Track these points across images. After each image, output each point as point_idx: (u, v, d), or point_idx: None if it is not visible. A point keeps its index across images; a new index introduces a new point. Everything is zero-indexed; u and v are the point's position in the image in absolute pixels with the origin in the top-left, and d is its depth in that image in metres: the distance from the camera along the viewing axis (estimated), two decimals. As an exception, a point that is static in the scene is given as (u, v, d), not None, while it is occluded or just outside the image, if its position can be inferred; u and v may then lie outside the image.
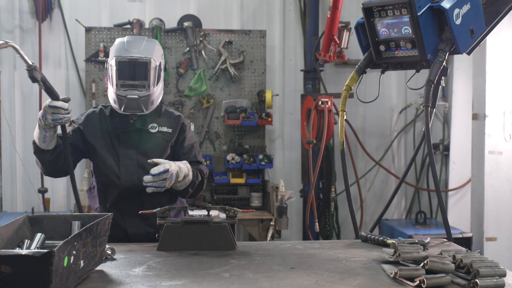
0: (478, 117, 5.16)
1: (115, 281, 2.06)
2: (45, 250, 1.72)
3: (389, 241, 2.51)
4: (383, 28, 2.69)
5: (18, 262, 1.74)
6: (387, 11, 2.63)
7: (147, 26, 5.81)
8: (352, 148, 5.92)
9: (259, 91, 5.88)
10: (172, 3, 6.06)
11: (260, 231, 5.29)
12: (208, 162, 5.69)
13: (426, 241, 2.49)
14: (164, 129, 3.10)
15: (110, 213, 2.27)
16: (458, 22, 2.60)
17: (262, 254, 2.44)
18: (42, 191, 5.66)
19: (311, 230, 5.53)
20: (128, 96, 2.94)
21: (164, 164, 2.80)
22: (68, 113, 2.83)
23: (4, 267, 1.72)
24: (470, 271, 1.97)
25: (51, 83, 5.89)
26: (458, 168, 6.06)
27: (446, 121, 6.28)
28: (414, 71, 2.82)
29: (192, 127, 5.78)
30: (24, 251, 1.77)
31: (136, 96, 2.95)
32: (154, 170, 2.78)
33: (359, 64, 2.82)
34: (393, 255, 2.18)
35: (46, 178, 5.78)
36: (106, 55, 5.60)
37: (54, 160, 2.97)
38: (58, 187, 5.92)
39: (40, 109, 5.60)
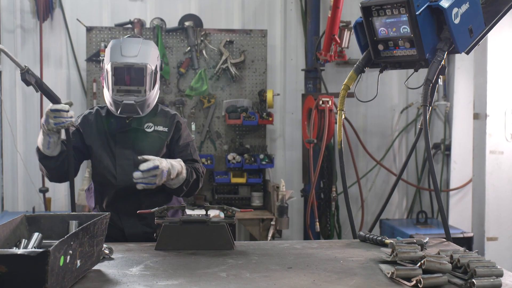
0: (479, 116, 5.15)
1: (112, 280, 2.06)
2: (40, 250, 1.72)
3: (387, 240, 2.50)
4: (381, 27, 2.69)
5: (13, 261, 1.73)
6: (386, 10, 2.62)
7: (148, 25, 5.81)
8: (353, 147, 5.91)
9: (260, 90, 5.88)
10: (173, 3, 6.06)
11: (261, 231, 5.29)
12: (209, 161, 5.69)
13: (425, 241, 2.49)
14: (160, 128, 3.10)
15: (108, 213, 2.27)
16: (456, 21, 2.59)
17: (260, 254, 2.44)
18: (43, 190, 5.67)
19: (311, 229, 5.53)
20: (124, 102, 2.94)
21: (154, 161, 2.78)
22: (70, 117, 2.82)
23: (0, 267, 1.72)
24: (467, 271, 1.97)
25: (52, 83, 6.00)
26: (460, 167, 6.05)
27: (448, 121, 6.27)
28: (413, 70, 2.81)
29: (193, 126, 5.79)
30: (19, 251, 1.77)
31: (133, 102, 2.95)
32: (143, 166, 2.76)
33: (357, 63, 2.81)
34: (390, 255, 2.17)
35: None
36: (107, 54, 5.60)
37: (59, 166, 2.98)
38: (59, 186, 5.91)
39: (41, 110, 5.69)
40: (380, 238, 2.57)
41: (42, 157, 2.94)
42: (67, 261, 1.89)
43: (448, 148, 6.23)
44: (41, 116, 5.75)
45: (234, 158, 5.71)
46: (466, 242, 5.18)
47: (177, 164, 2.89)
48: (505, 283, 1.95)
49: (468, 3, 2.64)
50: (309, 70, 6.03)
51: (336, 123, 5.53)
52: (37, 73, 5.64)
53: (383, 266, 2.15)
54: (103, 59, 3.05)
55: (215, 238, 2.54)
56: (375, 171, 6.36)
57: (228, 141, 5.91)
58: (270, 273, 2.14)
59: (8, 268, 1.73)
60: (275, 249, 2.54)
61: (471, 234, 5.28)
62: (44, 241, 2.19)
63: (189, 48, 5.78)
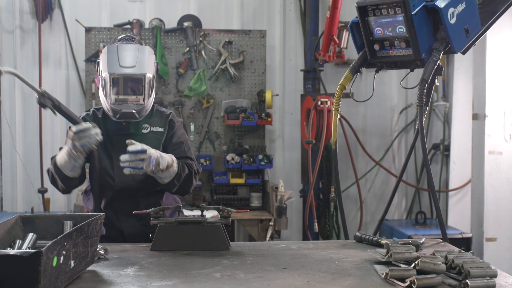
0: (478, 117, 5.14)
1: (106, 281, 2.06)
2: (33, 250, 1.72)
3: (383, 241, 2.50)
4: (377, 27, 2.69)
5: (6, 262, 1.74)
6: (382, 10, 2.62)
7: (147, 26, 5.81)
8: (352, 148, 5.90)
9: (259, 91, 5.87)
10: (172, 3, 6.06)
11: (260, 231, 5.28)
12: (208, 162, 5.69)
13: (421, 242, 2.48)
14: (156, 128, 3.10)
15: (102, 213, 2.27)
16: (452, 21, 2.58)
17: (256, 254, 2.44)
18: (42, 191, 5.67)
19: (310, 230, 5.52)
20: (123, 110, 2.95)
21: (142, 145, 2.78)
22: (96, 134, 2.81)
23: (-7, 267, 1.72)
24: (461, 272, 1.96)
25: (51, 83, 6.00)
26: (459, 168, 6.04)
27: (447, 121, 6.26)
28: (409, 70, 2.81)
29: (192, 127, 5.79)
30: (12, 251, 1.77)
31: (132, 111, 2.95)
32: (131, 148, 2.75)
33: (353, 63, 2.81)
34: (385, 256, 2.17)
35: (46, 178, 5.78)
36: (105, 55, 5.60)
37: (77, 184, 3.00)
38: (58, 187, 5.91)
39: (40, 111, 5.69)
40: (376, 238, 2.57)
41: (64, 178, 2.93)
42: (61, 261, 1.89)
43: (447, 148, 6.22)
44: (40, 117, 5.78)
45: (233, 159, 5.71)
46: (465, 243, 5.17)
47: (167, 157, 2.89)
48: (499, 283, 1.95)
49: (464, 3, 2.64)
50: (308, 70, 6.03)
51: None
52: (36, 74, 5.76)
53: (377, 267, 2.15)
54: (99, 61, 3.05)
55: (210, 239, 2.54)
56: (374, 171, 6.36)
57: (227, 141, 5.91)
58: (265, 274, 2.13)
59: (1, 269, 1.73)
60: (271, 250, 2.53)
61: (470, 235, 5.27)
62: (39, 242, 2.19)
63: (188, 48, 5.77)
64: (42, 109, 5.70)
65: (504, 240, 5.11)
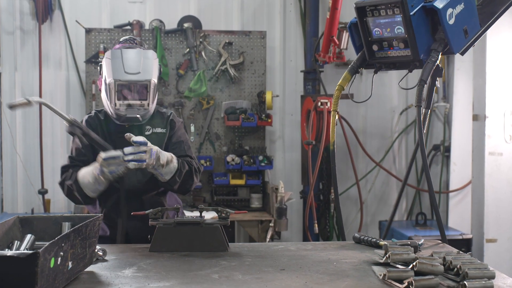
0: (478, 118, 5.14)
1: (103, 282, 2.06)
2: (30, 252, 1.72)
3: (381, 242, 2.49)
4: (376, 27, 2.68)
5: (3, 263, 1.73)
6: (380, 10, 2.62)
7: (147, 27, 5.81)
8: (353, 149, 5.90)
9: (259, 92, 5.87)
10: (172, 4, 6.06)
11: (260, 233, 5.28)
12: (208, 163, 5.69)
13: (420, 243, 2.47)
14: (158, 130, 3.11)
15: (100, 214, 2.27)
16: (451, 22, 2.58)
17: (254, 256, 2.43)
18: (42, 192, 5.67)
19: (310, 231, 5.52)
20: (127, 115, 2.97)
21: (143, 137, 2.81)
22: (125, 161, 2.82)
23: (-10, 268, 1.72)
24: (459, 273, 1.96)
25: (51, 84, 6.01)
26: (459, 169, 6.03)
27: (447, 122, 6.25)
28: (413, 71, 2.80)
29: (192, 128, 5.79)
30: (9, 252, 1.77)
31: (136, 116, 2.98)
32: (135, 138, 2.77)
33: (352, 64, 2.81)
34: (383, 257, 2.16)
35: (46, 179, 5.80)
36: (106, 56, 5.60)
37: (96, 199, 3.03)
38: (58, 188, 5.83)
39: (40, 112, 5.69)
40: (374, 239, 2.56)
41: (84, 196, 2.96)
42: (58, 262, 1.89)
43: (447, 149, 6.21)
44: (41, 119, 5.78)
45: (233, 160, 5.71)
46: (465, 244, 5.16)
47: (166, 152, 2.91)
48: (497, 285, 1.95)
49: (463, 3, 2.63)
50: (308, 71, 6.03)
51: (336, 124, 5.54)
52: (36, 75, 5.77)
53: (375, 268, 2.15)
54: (101, 64, 3.06)
55: (209, 240, 2.53)
56: (375, 172, 6.35)
57: (227, 142, 5.91)
58: (263, 275, 2.13)
59: (-2, 270, 1.73)
60: (269, 251, 2.53)
61: (470, 236, 5.27)
62: (37, 243, 2.18)
63: (188, 49, 5.78)
64: (42, 110, 5.77)
65: (505, 241, 5.10)
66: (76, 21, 5.79)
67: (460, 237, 5.28)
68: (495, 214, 5.07)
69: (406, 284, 1.90)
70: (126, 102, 2.98)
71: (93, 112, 3.16)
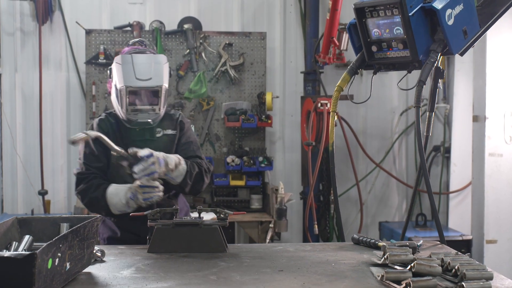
0: (478, 119, 5.13)
1: (101, 283, 2.06)
2: (27, 252, 1.72)
3: (380, 243, 2.49)
4: (375, 28, 2.67)
5: (1, 264, 1.73)
6: (379, 11, 2.61)
7: (147, 28, 5.81)
8: (353, 150, 5.90)
9: (259, 93, 5.87)
10: (173, 5, 6.06)
11: (260, 233, 5.28)
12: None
13: (418, 244, 2.47)
14: (169, 131, 3.14)
15: (99, 216, 2.27)
16: (450, 22, 2.57)
17: (252, 257, 2.43)
18: (42, 193, 5.67)
19: (310, 232, 5.51)
20: (139, 120, 3.00)
21: (147, 149, 2.83)
22: (160, 191, 2.87)
23: (-13, 269, 1.72)
24: (457, 274, 1.96)
25: (52, 86, 6.02)
26: (459, 170, 6.03)
27: (447, 123, 6.25)
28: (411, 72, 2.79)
29: (192, 129, 5.78)
30: (6, 253, 1.77)
31: (147, 120, 3.01)
32: (143, 153, 2.79)
33: (351, 65, 2.80)
34: (381, 258, 2.16)
35: (46, 180, 5.81)
36: (106, 57, 5.62)
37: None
38: (58, 189, 5.93)
39: (40, 112, 5.69)
40: (373, 240, 2.56)
41: (108, 212, 2.99)
42: (56, 263, 1.88)
43: (448, 150, 6.21)
44: (41, 119, 5.78)
45: (233, 161, 5.71)
46: (465, 245, 5.15)
47: (173, 156, 2.93)
48: (495, 286, 1.94)
49: (462, 4, 2.62)
50: (308, 72, 6.03)
51: (336, 125, 5.54)
52: (37, 76, 5.78)
53: (374, 269, 2.14)
54: (111, 68, 3.07)
55: (207, 241, 2.53)
56: (375, 173, 6.35)
57: (227, 143, 5.90)
58: (261, 276, 2.13)
59: (-4, 271, 1.73)
60: (268, 252, 2.53)
61: (470, 237, 5.26)
62: (35, 244, 2.18)
63: (188, 50, 5.78)
64: (42, 110, 5.76)
65: (505, 242, 5.09)
66: (76, 22, 5.79)
67: (460, 238, 5.28)
68: (495, 215, 5.07)
69: (404, 285, 1.90)
70: (137, 107, 3.00)
71: (103, 114, 3.18)
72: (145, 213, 2.62)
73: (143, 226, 2.97)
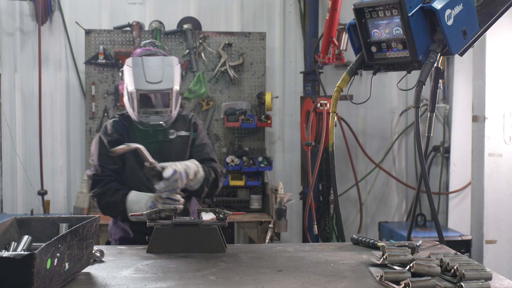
0: (478, 119, 5.13)
1: (100, 283, 2.06)
2: (26, 253, 1.72)
3: (379, 243, 2.49)
4: (374, 29, 2.67)
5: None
6: (378, 12, 2.61)
7: (147, 28, 5.81)
8: (352, 150, 5.90)
9: (259, 93, 5.87)
10: (172, 5, 6.06)
11: (259, 234, 5.28)
12: (207, 164, 5.68)
13: (418, 244, 2.47)
14: (182, 133, 3.16)
15: (98, 216, 2.27)
16: (449, 23, 2.57)
17: (252, 257, 2.43)
18: (42, 193, 5.67)
19: (310, 232, 5.52)
20: (150, 123, 3.03)
21: (171, 165, 2.84)
22: (180, 203, 2.91)
23: (-14, 269, 1.72)
24: (456, 274, 1.96)
25: (51, 86, 6.02)
26: (459, 170, 6.03)
27: (447, 123, 6.25)
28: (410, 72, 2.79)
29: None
30: (5, 253, 1.77)
31: (160, 123, 3.03)
32: (167, 173, 2.82)
33: (351, 65, 2.80)
34: (380, 258, 2.16)
35: (46, 180, 5.81)
36: (106, 57, 5.62)
37: None
38: (58, 189, 5.93)
39: (40, 112, 5.68)
40: (372, 241, 2.56)
41: (125, 218, 3.00)
42: (55, 263, 1.88)
43: (447, 150, 6.21)
44: (40, 119, 5.78)
45: (232, 161, 5.71)
46: (464, 245, 5.15)
47: (192, 164, 2.94)
48: (494, 286, 1.94)
49: (461, 4, 2.62)
50: (307, 72, 6.03)
51: (335, 125, 5.54)
52: (36, 76, 5.78)
53: (373, 269, 2.14)
54: (122, 70, 3.08)
55: (207, 241, 2.53)
56: (374, 173, 6.35)
57: (227, 143, 5.90)
58: (260, 276, 2.13)
59: (-6, 271, 1.73)
60: (267, 252, 2.53)
61: (470, 237, 5.26)
62: (34, 244, 2.18)
63: (187, 51, 5.78)
64: (42, 110, 5.76)
65: (504, 243, 5.09)
66: (76, 22, 5.79)
67: (460, 238, 5.27)
68: (494, 215, 5.07)
69: (403, 285, 1.90)
70: (148, 110, 3.01)
71: (116, 116, 3.21)
72: (144, 213, 2.62)
73: None
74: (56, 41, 5.92)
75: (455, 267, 1.97)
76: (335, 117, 2.87)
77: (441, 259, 2.07)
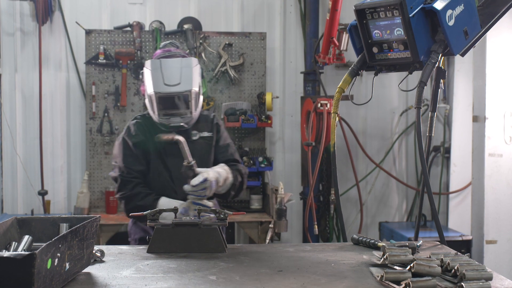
0: (478, 119, 5.13)
1: (101, 283, 2.06)
2: (27, 253, 1.72)
3: (380, 244, 2.49)
4: (375, 29, 2.67)
5: (0, 264, 1.73)
6: (379, 12, 2.61)
7: (147, 28, 5.82)
8: (353, 150, 5.90)
9: (259, 93, 5.87)
10: (173, 6, 6.06)
11: (260, 234, 5.28)
12: (207, 164, 5.68)
13: (418, 244, 2.47)
14: (205, 134, 3.16)
15: (98, 216, 2.27)
16: (451, 23, 2.57)
17: (252, 257, 2.43)
18: (42, 193, 5.67)
19: (310, 232, 5.51)
20: (171, 125, 3.05)
21: (203, 174, 2.84)
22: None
23: (-14, 269, 1.72)
24: (457, 274, 1.95)
25: (52, 86, 6.02)
26: (459, 170, 6.03)
27: (447, 123, 6.25)
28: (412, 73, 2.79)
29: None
30: (6, 253, 1.77)
31: (180, 124, 3.05)
32: (194, 181, 2.84)
33: (352, 66, 2.80)
34: (381, 258, 2.16)
35: (46, 180, 5.80)
36: (106, 57, 5.62)
37: None
38: (58, 189, 5.93)
39: (40, 112, 5.68)
40: (372, 241, 2.56)
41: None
42: (55, 264, 1.88)
43: (447, 150, 6.21)
44: (41, 119, 5.78)
45: (233, 161, 5.70)
46: (465, 245, 5.15)
47: (222, 170, 2.96)
48: (495, 286, 1.94)
49: (462, 4, 2.62)
50: (308, 72, 6.03)
51: (336, 125, 5.53)
52: (36, 76, 5.78)
53: (373, 269, 2.14)
54: (142, 72, 3.10)
55: (207, 241, 2.53)
56: (375, 173, 6.35)
57: (227, 143, 5.90)
58: (260, 276, 2.13)
59: (-5, 271, 1.73)
60: (268, 252, 2.53)
61: (470, 237, 5.26)
62: (34, 244, 2.18)
63: (188, 51, 5.77)
64: (42, 110, 5.76)
65: (504, 243, 5.09)
66: (76, 22, 5.79)
67: (460, 239, 5.27)
68: (495, 215, 5.07)
69: (403, 285, 1.90)
70: (169, 111, 3.03)
71: (138, 117, 3.23)
72: (144, 213, 2.62)
73: None
74: (57, 41, 5.92)
75: (455, 267, 1.97)
76: (333, 118, 2.87)
77: (442, 259, 2.07)
